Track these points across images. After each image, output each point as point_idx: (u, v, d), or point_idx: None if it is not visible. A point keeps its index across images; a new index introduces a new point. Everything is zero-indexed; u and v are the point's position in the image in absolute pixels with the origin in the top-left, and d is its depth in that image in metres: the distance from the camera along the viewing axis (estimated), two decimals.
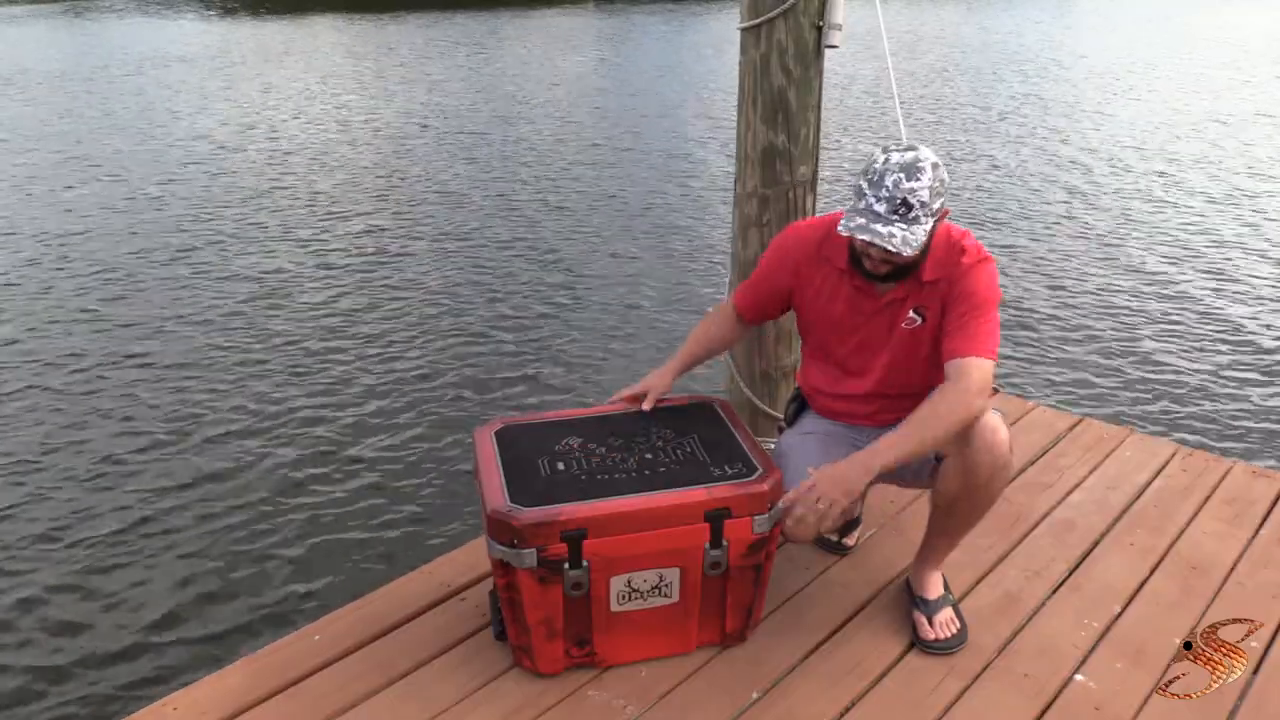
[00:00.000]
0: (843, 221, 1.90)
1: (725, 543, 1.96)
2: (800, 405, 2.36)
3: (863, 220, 1.88)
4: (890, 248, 1.85)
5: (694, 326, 2.34)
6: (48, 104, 12.12)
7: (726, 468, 2.01)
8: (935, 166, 1.89)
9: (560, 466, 2.02)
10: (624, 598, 1.98)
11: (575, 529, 1.87)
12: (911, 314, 2.05)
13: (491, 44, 17.90)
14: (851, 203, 1.92)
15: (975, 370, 1.93)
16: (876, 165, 1.90)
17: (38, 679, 2.97)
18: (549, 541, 1.87)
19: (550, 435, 2.14)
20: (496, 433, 2.15)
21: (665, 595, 2.00)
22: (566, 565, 1.89)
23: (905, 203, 1.86)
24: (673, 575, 1.98)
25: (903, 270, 1.99)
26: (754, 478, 1.98)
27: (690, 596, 2.01)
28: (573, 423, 2.19)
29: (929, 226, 1.89)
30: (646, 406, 2.22)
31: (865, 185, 1.90)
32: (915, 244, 1.86)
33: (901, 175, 1.86)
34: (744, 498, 1.94)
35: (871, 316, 2.08)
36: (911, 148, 1.90)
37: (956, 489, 2.04)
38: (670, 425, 2.17)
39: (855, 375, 2.16)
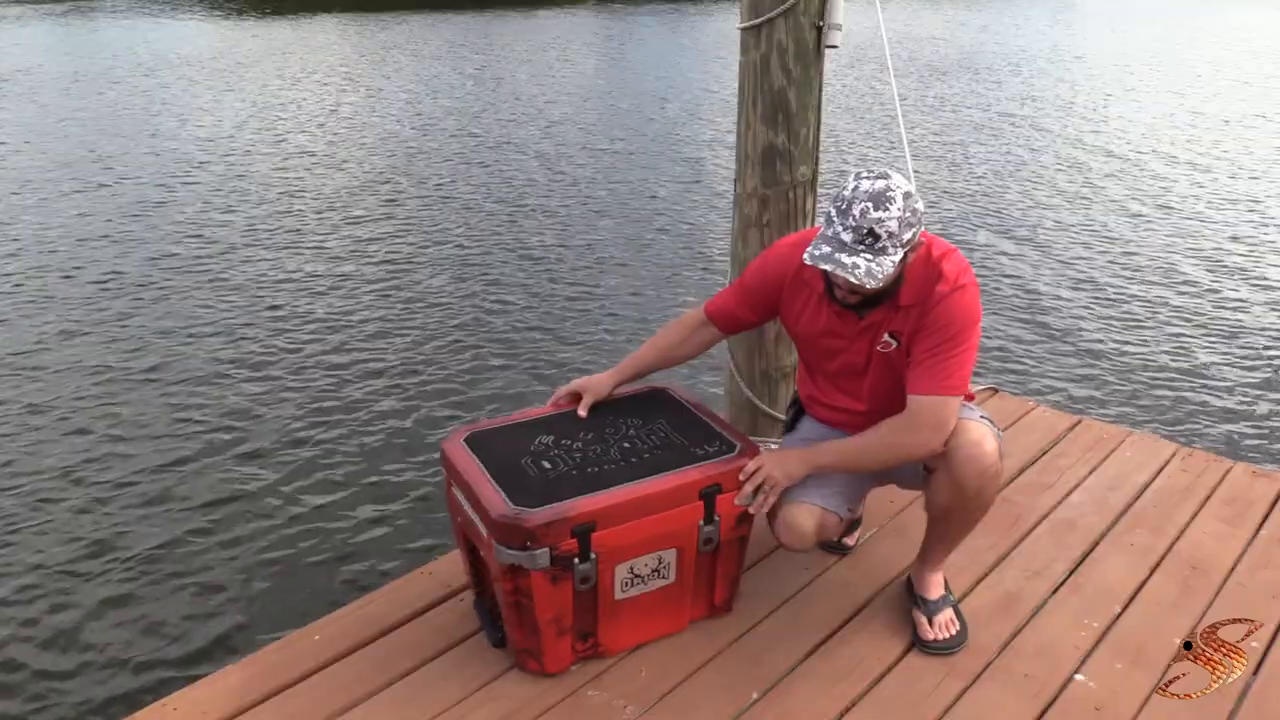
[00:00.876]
0: (809, 249, 1.86)
1: (717, 518, 2.02)
2: (798, 412, 2.35)
3: (828, 249, 1.83)
4: (853, 279, 1.81)
5: (657, 334, 2.30)
6: (53, 106, 12.12)
7: (706, 447, 2.07)
8: (907, 196, 1.83)
9: (546, 465, 2.02)
10: (627, 584, 2.02)
11: (584, 523, 1.89)
12: (886, 337, 2.01)
13: (492, 45, 17.90)
14: (822, 229, 1.89)
15: (933, 409, 1.92)
16: (845, 193, 1.85)
17: (39, 679, 2.97)
18: (560, 539, 1.88)
19: (522, 436, 2.13)
20: (466, 440, 2.12)
21: (664, 576, 2.05)
22: (576, 560, 1.91)
23: (872, 233, 1.80)
24: (670, 556, 2.04)
25: (875, 299, 1.96)
26: (736, 453, 2.05)
27: (686, 574, 2.07)
28: (539, 421, 2.19)
29: (898, 258, 1.83)
30: (582, 412, 2.20)
31: (834, 212, 1.85)
32: (880, 276, 1.81)
33: (869, 204, 1.81)
34: (732, 472, 2.01)
35: (853, 340, 2.06)
36: (883, 176, 1.85)
37: (946, 501, 2.05)
38: (634, 414, 2.21)
39: (846, 394, 2.16)
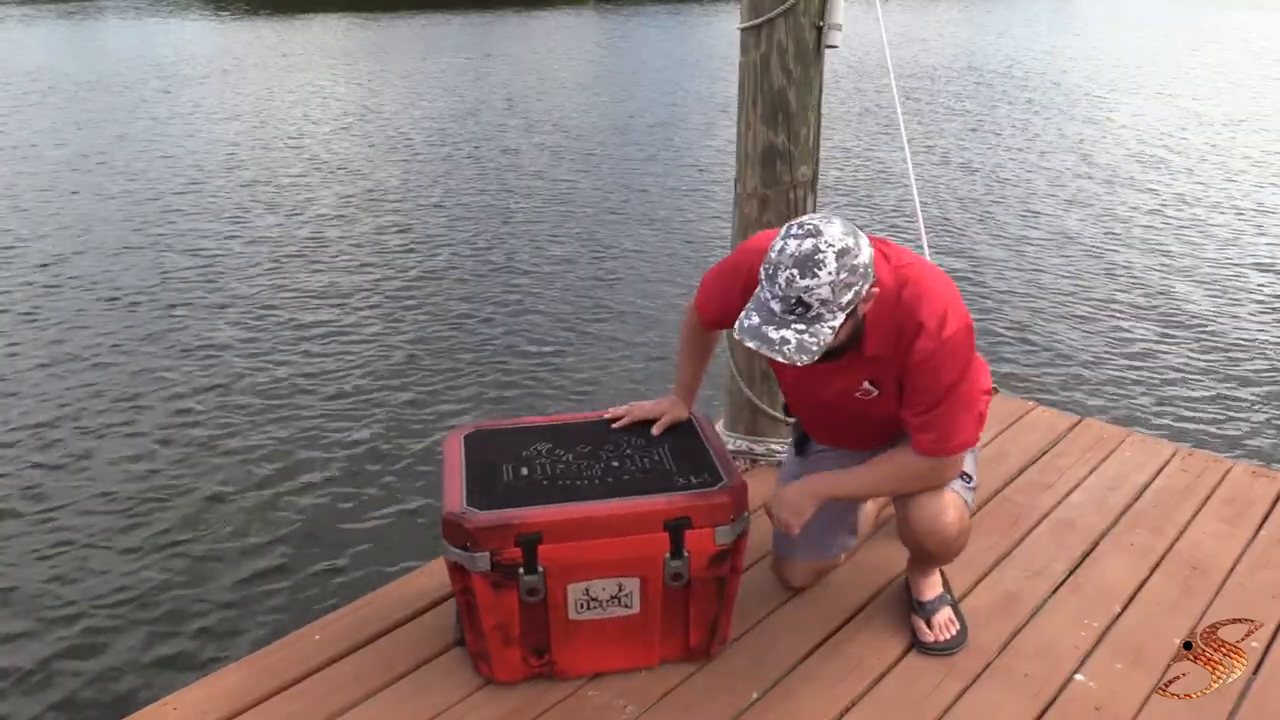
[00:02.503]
0: (739, 318, 1.69)
1: (686, 554, 1.91)
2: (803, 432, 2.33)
3: (757, 320, 1.65)
4: (779, 358, 1.63)
5: (680, 343, 2.21)
6: (62, 108, 12.11)
7: (692, 477, 1.97)
8: (842, 254, 1.60)
9: (524, 471, 1.99)
10: (582, 606, 1.95)
11: (530, 533, 1.84)
12: (867, 385, 1.90)
13: (492, 45, 17.90)
14: (757, 290, 1.70)
15: (944, 468, 1.93)
16: (772, 255, 1.64)
17: (38, 678, 2.97)
18: (503, 545, 1.84)
19: (519, 440, 2.11)
20: (466, 436, 2.12)
21: (625, 605, 1.96)
22: (521, 570, 1.86)
23: (800, 302, 1.61)
24: (632, 585, 1.94)
25: (831, 353, 1.73)
26: (717, 488, 1.93)
27: (651, 608, 1.97)
28: (544, 428, 2.17)
29: (837, 323, 1.64)
30: (657, 431, 2.10)
31: (763, 275, 1.66)
32: (815, 349, 1.62)
33: (795, 271, 1.60)
34: (705, 508, 1.90)
35: (826, 382, 1.93)
36: (813, 232, 1.62)
37: (912, 548, 2.10)
38: (642, 434, 2.13)
39: (828, 430, 2.13)
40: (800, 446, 2.32)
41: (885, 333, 1.79)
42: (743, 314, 1.69)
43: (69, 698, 2.90)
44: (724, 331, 2.30)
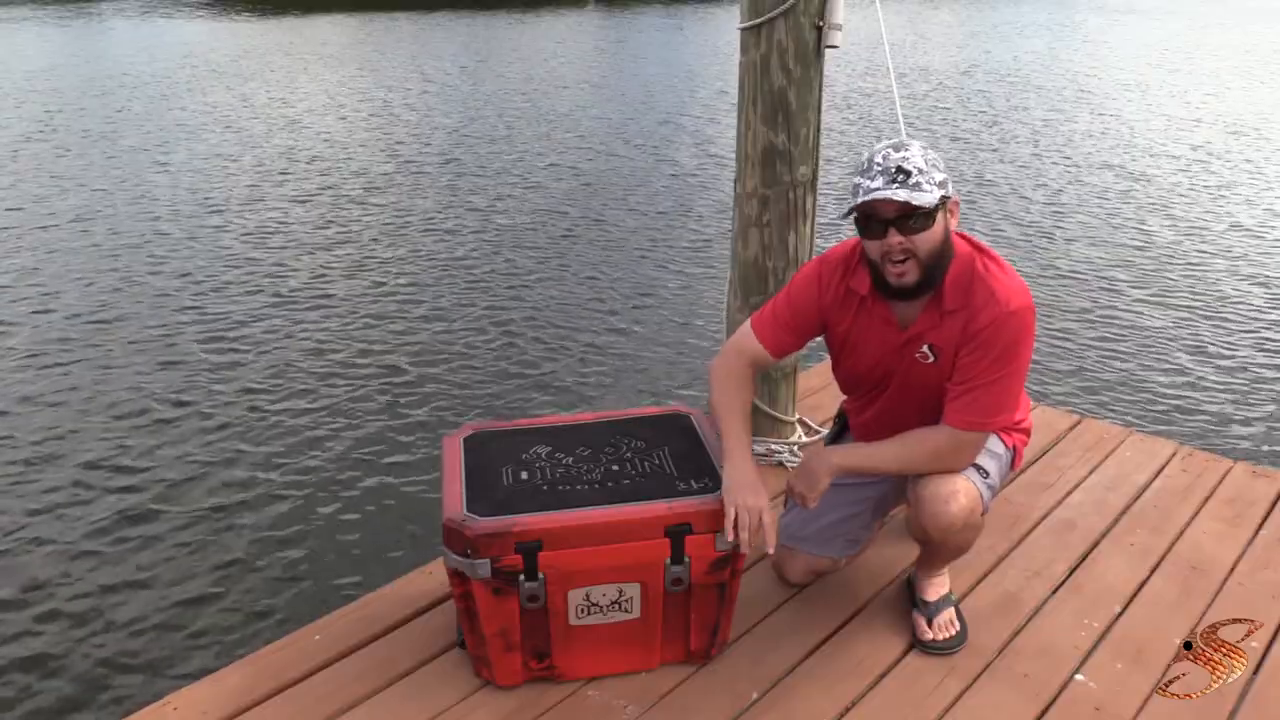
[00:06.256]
0: (851, 198, 1.85)
1: (687, 559, 1.90)
2: (842, 427, 2.34)
3: (864, 196, 1.83)
4: (897, 198, 1.78)
5: (722, 397, 2.04)
6: (74, 112, 12.11)
7: (693, 482, 1.95)
8: (925, 148, 1.86)
9: (524, 475, 1.98)
10: (583, 611, 1.94)
11: (530, 540, 1.83)
12: (925, 349, 1.97)
13: (492, 45, 17.90)
14: (851, 198, 1.87)
15: (974, 443, 1.95)
16: (864, 156, 1.89)
17: (38, 678, 2.97)
18: (503, 552, 1.83)
19: (519, 443, 2.10)
20: (465, 439, 2.11)
21: (626, 610, 1.96)
22: (522, 577, 1.86)
23: (901, 169, 1.81)
24: (633, 590, 1.93)
25: (927, 280, 1.87)
26: (719, 493, 1.91)
27: (652, 613, 1.97)
28: (544, 430, 2.15)
29: (934, 197, 1.80)
30: (772, 539, 1.91)
31: (859, 176, 1.87)
32: (924, 201, 1.78)
33: (889, 150, 1.84)
34: (706, 514, 1.88)
35: (898, 356, 2.01)
36: (900, 143, 1.87)
37: (920, 539, 2.09)
38: (642, 436, 2.11)
39: (893, 427, 2.07)
40: (832, 442, 2.34)
41: (962, 290, 1.90)
42: (851, 195, 1.85)
43: (70, 697, 2.90)
44: (720, 337, 2.30)
